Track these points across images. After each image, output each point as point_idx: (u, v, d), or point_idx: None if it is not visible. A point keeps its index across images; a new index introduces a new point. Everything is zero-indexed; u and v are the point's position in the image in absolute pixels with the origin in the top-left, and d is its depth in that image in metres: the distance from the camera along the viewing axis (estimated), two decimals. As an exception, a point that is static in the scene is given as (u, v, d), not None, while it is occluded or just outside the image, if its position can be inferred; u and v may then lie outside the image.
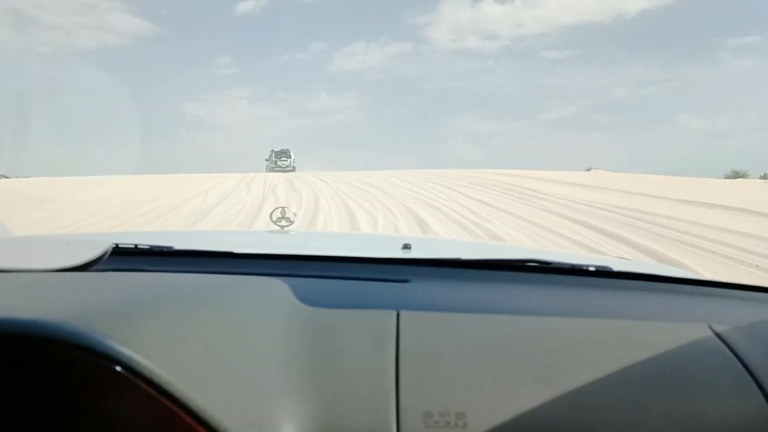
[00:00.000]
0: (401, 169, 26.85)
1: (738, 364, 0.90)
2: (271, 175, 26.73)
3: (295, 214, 2.10)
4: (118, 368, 0.66)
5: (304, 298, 0.99)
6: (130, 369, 0.66)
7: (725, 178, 26.09)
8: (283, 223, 2.05)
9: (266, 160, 34.68)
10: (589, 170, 27.65)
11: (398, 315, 0.96)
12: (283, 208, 2.13)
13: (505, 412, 0.84)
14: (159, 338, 0.73)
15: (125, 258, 1.19)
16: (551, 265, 1.19)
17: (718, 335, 0.95)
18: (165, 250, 1.23)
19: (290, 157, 34.15)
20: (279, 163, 33.38)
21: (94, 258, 1.03)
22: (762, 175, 28.94)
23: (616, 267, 1.23)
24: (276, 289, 1.01)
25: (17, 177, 25.36)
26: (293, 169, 32.36)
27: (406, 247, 1.42)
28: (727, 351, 0.92)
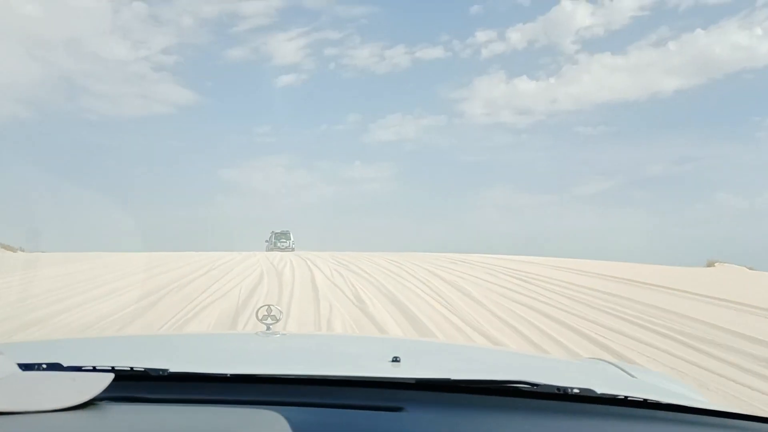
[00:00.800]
0: (426, 251, 28.35)
1: None
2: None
3: (280, 312, 2.16)
4: None
5: None
6: None
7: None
8: (269, 320, 2.10)
9: (266, 241, 38.12)
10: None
11: None
12: (269, 306, 2.18)
13: None
14: None
15: (122, 384, 1.20)
16: (538, 388, 1.22)
17: None
18: (161, 374, 1.25)
19: (290, 239, 37.66)
20: (278, 243, 36.69)
21: (99, 393, 1.08)
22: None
23: (599, 389, 1.25)
24: (271, 423, 1.05)
25: (33, 251, 25.84)
26: (292, 250, 35.22)
27: (396, 360, 1.45)
28: None
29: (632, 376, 1.73)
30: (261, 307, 2.21)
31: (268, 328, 2.10)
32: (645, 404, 1.24)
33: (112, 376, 1.15)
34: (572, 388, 1.23)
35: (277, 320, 2.15)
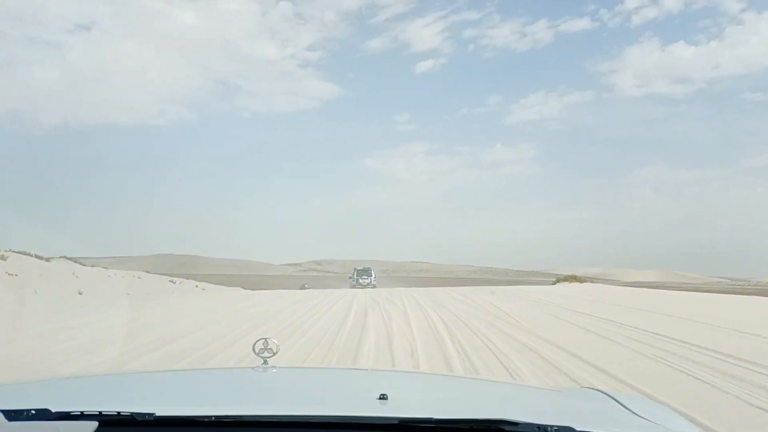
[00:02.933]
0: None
1: None
2: None
3: (277, 345, 2.21)
4: None
5: None
6: None
7: None
8: (266, 354, 2.17)
9: (349, 277, 41.92)
10: None
11: None
12: (266, 339, 2.23)
13: None
14: None
15: (109, 430, 1.24)
16: (518, 427, 1.28)
17: None
18: (147, 418, 1.27)
19: (371, 275, 41.07)
20: (360, 280, 39.84)
21: None
22: None
23: (580, 426, 1.29)
24: None
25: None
26: (373, 286, 38.25)
27: (383, 397, 1.49)
28: None
29: (627, 409, 1.72)
30: (258, 340, 2.23)
31: (265, 362, 2.14)
32: None
33: (95, 424, 1.19)
34: (552, 426, 1.28)
35: (274, 353, 2.19)
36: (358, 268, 43.14)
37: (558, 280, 38.51)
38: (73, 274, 26.01)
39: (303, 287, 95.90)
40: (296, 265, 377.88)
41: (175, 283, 33.65)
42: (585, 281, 37.74)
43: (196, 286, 34.70)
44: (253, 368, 2.17)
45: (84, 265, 30.82)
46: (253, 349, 2.22)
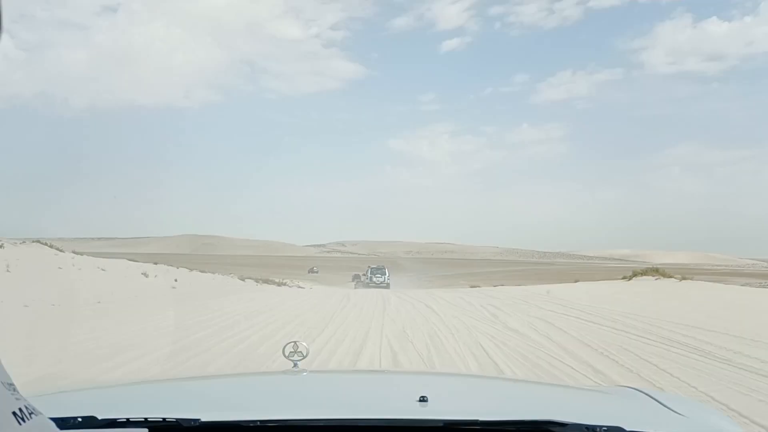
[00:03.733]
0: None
1: None
2: None
3: (307, 348, 2.22)
4: None
5: None
6: None
7: None
8: (296, 357, 2.18)
9: (363, 275, 39.00)
10: None
11: None
12: (295, 342, 2.22)
13: None
14: None
15: None
16: (566, 428, 1.28)
17: None
18: (193, 424, 1.30)
19: (384, 274, 38.37)
20: (374, 279, 37.39)
21: None
22: None
23: (629, 426, 1.30)
24: None
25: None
26: (387, 286, 35.47)
27: (423, 399, 1.48)
28: None
29: (665, 407, 1.74)
30: (288, 343, 2.21)
31: (295, 365, 2.17)
32: None
33: (145, 431, 1.22)
34: (601, 427, 1.28)
35: (304, 357, 2.19)
36: (372, 266, 41.82)
37: (635, 274, 30.47)
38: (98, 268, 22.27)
39: (311, 271, 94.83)
40: (320, 246, 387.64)
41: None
42: (670, 276, 28.69)
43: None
44: (284, 372, 2.17)
45: (80, 253, 27.48)
46: (283, 353, 2.21)
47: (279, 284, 29.73)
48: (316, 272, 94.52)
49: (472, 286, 55.85)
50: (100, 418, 1.29)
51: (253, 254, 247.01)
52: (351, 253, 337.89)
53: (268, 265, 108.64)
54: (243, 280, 28.96)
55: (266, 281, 29.15)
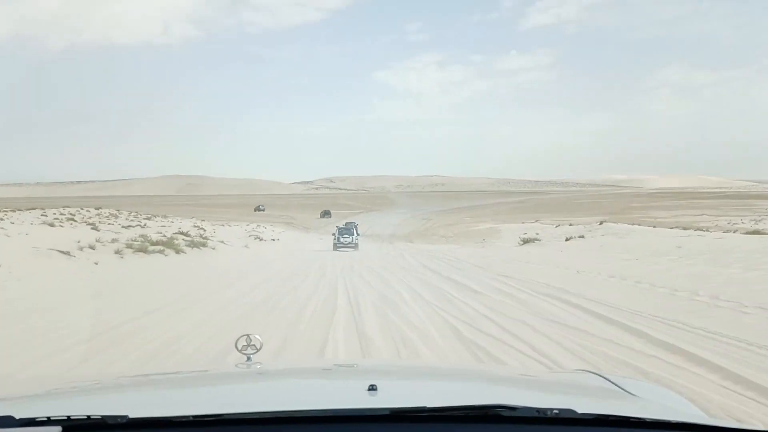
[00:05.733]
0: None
1: None
2: None
3: (260, 341, 2.13)
4: None
5: None
6: None
7: None
8: (249, 351, 2.10)
9: (332, 235, 34.71)
10: None
11: None
12: (248, 335, 2.12)
13: None
14: None
15: None
16: (516, 411, 1.24)
17: None
18: (120, 421, 1.21)
19: (352, 234, 33.56)
20: (342, 240, 32.87)
21: None
22: None
23: (581, 409, 1.26)
24: None
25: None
26: (355, 247, 31.71)
27: (372, 388, 1.43)
28: None
29: (621, 389, 1.76)
30: (240, 336, 2.14)
31: (248, 359, 2.09)
32: (628, 422, 1.24)
33: (58, 429, 1.16)
34: (552, 410, 1.25)
35: (258, 350, 2.12)
36: (340, 226, 36.54)
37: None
38: None
39: (257, 209, 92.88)
40: (307, 183, 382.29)
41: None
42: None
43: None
44: (236, 365, 2.10)
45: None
46: (236, 346, 2.14)
47: (203, 246, 19.71)
48: (263, 210, 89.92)
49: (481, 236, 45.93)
50: (18, 417, 1.22)
51: (236, 193, 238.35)
52: (339, 189, 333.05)
53: (245, 206, 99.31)
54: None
55: (200, 244, 19.05)
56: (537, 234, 33.32)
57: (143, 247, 13.36)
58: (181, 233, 22.04)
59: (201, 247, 17.53)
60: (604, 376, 1.95)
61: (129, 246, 13.75)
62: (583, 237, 24.88)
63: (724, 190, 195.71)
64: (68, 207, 54.01)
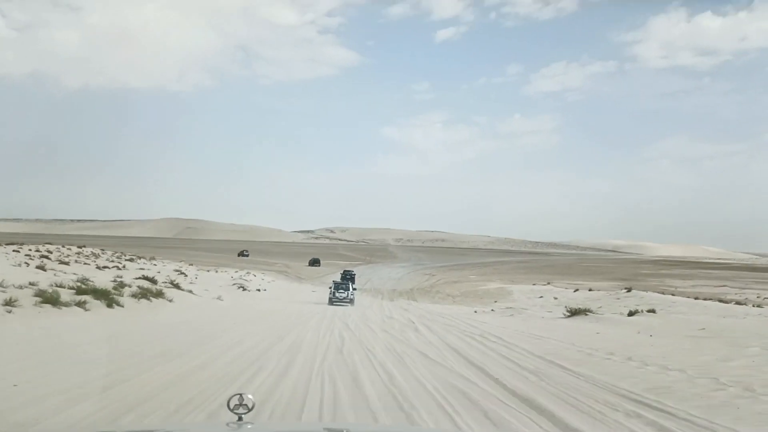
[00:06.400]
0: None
1: None
2: None
3: (252, 401, 2.11)
4: None
5: None
6: None
7: None
8: (241, 410, 2.07)
9: (329, 288, 31.39)
10: None
11: None
12: (240, 395, 2.11)
13: None
14: None
15: None
16: None
17: None
18: None
19: (348, 289, 29.75)
20: (337, 294, 29.26)
21: None
22: None
23: None
24: None
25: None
26: (350, 302, 28.54)
27: None
28: None
29: None
30: (233, 396, 2.12)
31: (240, 419, 2.05)
32: None
33: None
34: None
35: (249, 410, 2.08)
36: (336, 280, 32.77)
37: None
38: None
39: (241, 254, 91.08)
40: (308, 232, 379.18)
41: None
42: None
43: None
44: (227, 424, 2.04)
45: None
46: (228, 405, 2.10)
47: (158, 296, 15.45)
48: (247, 255, 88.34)
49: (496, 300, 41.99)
50: None
51: (235, 239, 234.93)
52: (340, 239, 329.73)
53: (232, 251, 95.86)
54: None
55: (153, 294, 15.19)
56: (580, 303, 24.67)
57: (52, 298, 9.95)
58: (147, 278, 18.87)
59: (155, 298, 13.97)
60: None
61: (40, 294, 10.42)
62: (653, 312, 18.62)
63: (729, 261, 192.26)
64: (50, 243, 50.69)
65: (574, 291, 35.86)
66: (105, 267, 33.47)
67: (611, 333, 14.32)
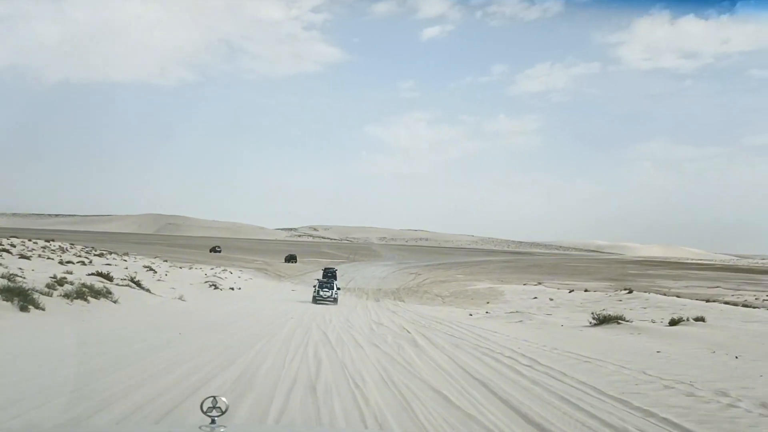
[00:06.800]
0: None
1: None
2: None
3: (226, 403, 2.05)
4: None
5: None
6: None
7: None
8: (214, 413, 2.01)
9: (313, 287, 30.83)
10: None
11: None
12: (214, 397, 2.05)
13: None
14: None
15: None
16: None
17: None
18: None
19: (332, 288, 29.25)
20: (321, 293, 29.00)
21: None
22: None
23: None
24: None
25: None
26: (334, 302, 28.20)
27: None
28: None
29: None
30: (206, 398, 2.06)
31: (213, 422, 1.99)
32: None
33: None
34: None
35: (223, 412, 2.02)
36: (320, 279, 31.64)
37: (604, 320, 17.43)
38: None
39: (213, 250, 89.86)
40: (291, 230, 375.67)
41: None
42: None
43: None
44: (199, 427, 1.96)
45: None
46: (201, 408, 2.02)
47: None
48: (219, 251, 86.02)
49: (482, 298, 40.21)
50: None
51: (217, 236, 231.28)
52: (323, 237, 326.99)
53: (223, 248, 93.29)
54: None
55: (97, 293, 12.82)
56: (603, 307, 22.67)
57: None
58: (101, 275, 16.70)
59: (95, 299, 11.80)
60: None
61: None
62: (703, 320, 15.78)
63: (711, 262, 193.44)
64: (16, 237, 47.91)
65: (569, 292, 34.20)
66: (69, 262, 31.16)
67: (676, 353, 11.04)
